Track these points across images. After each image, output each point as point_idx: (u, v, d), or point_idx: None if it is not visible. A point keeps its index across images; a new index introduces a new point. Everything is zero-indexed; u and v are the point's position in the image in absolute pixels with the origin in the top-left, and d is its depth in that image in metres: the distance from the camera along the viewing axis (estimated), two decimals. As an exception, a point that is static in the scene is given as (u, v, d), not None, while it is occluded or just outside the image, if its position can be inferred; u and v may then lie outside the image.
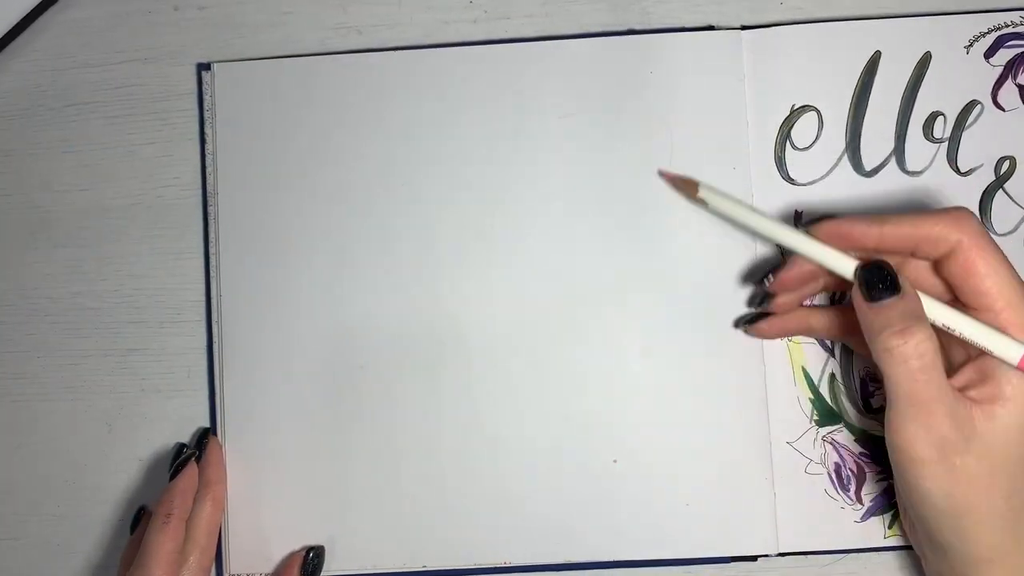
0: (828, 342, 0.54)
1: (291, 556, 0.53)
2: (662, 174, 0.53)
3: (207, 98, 0.56)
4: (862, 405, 0.54)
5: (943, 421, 0.43)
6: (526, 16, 0.56)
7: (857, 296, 0.45)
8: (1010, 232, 0.54)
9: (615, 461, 0.53)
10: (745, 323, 0.53)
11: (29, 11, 0.55)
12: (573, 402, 0.54)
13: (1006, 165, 0.54)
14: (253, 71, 0.56)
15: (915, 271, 0.47)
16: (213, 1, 0.57)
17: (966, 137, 0.55)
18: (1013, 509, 0.44)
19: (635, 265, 0.54)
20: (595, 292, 0.54)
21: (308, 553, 0.53)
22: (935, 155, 0.55)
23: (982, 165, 0.54)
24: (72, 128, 0.56)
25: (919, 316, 0.44)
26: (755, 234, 0.51)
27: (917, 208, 0.53)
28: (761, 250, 0.54)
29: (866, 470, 0.53)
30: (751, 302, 0.53)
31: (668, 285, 0.54)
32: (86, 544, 0.55)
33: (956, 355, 0.47)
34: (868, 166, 0.54)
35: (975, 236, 0.44)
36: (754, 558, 0.53)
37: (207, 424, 0.55)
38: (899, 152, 0.54)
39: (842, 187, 0.54)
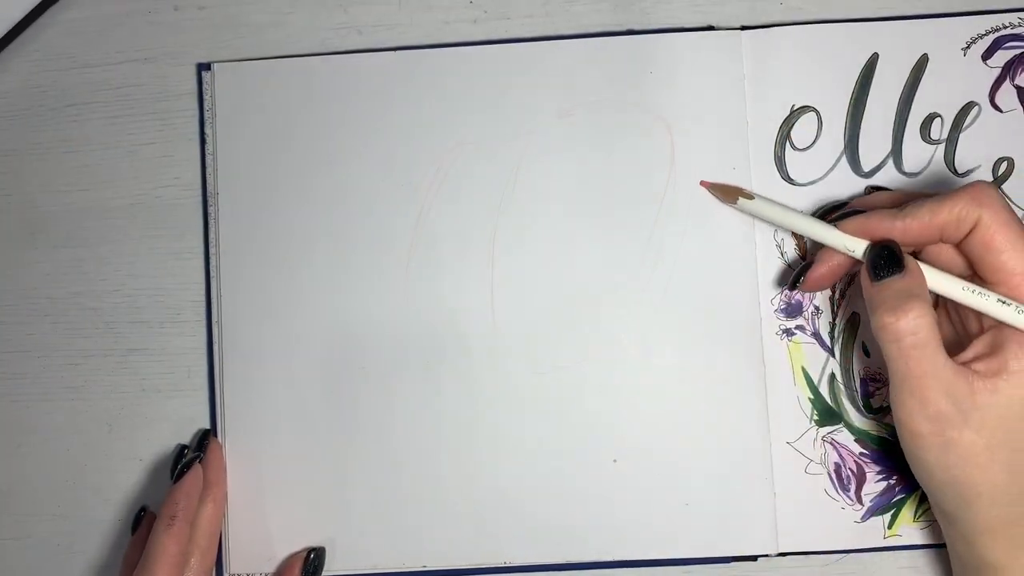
0: (828, 342, 0.54)
1: (292, 557, 0.53)
2: (703, 184, 0.54)
3: (207, 98, 0.56)
4: (862, 405, 0.54)
5: (938, 396, 0.44)
6: (526, 16, 0.56)
7: (863, 275, 0.47)
8: (1009, 232, 0.54)
9: (615, 461, 0.53)
10: (792, 286, 0.52)
11: (29, 11, 0.55)
12: (573, 402, 0.54)
13: (1004, 166, 0.54)
14: (253, 71, 0.56)
15: (937, 248, 0.48)
16: (213, 1, 0.57)
17: (963, 138, 0.55)
18: (1016, 483, 0.44)
19: (635, 264, 0.54)
20: (595, 291, 0.54)
21: (309, 554, 0.53)
22: (932, 156, 0.55)
23: (980, 166, 0.55)
24: (72, 128, 0.56)
25: (915, 294, 0.45)
26: (791, 230, 0.53)
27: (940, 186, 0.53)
28: (761, 253, 0.54)
29: (866, 470, 0.53)
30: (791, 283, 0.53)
31: (668, 284, 0.54)
32: (86, 544, 0.55)
33: (972, 327, 0.48)
34: (866, 167, 0.54)
35: (995, 211, 0.45)
36: (754, 558, 0.53)
37: (207, 424, 0.55)
38: (896, 153, 0.55)
39: (841, 187, 0.54)
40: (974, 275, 0.47)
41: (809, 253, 0.54)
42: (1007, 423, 0.44)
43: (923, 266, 0.47)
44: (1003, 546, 0.45)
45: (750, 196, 0.52)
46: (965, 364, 0.45)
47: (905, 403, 0.45)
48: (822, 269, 0.50)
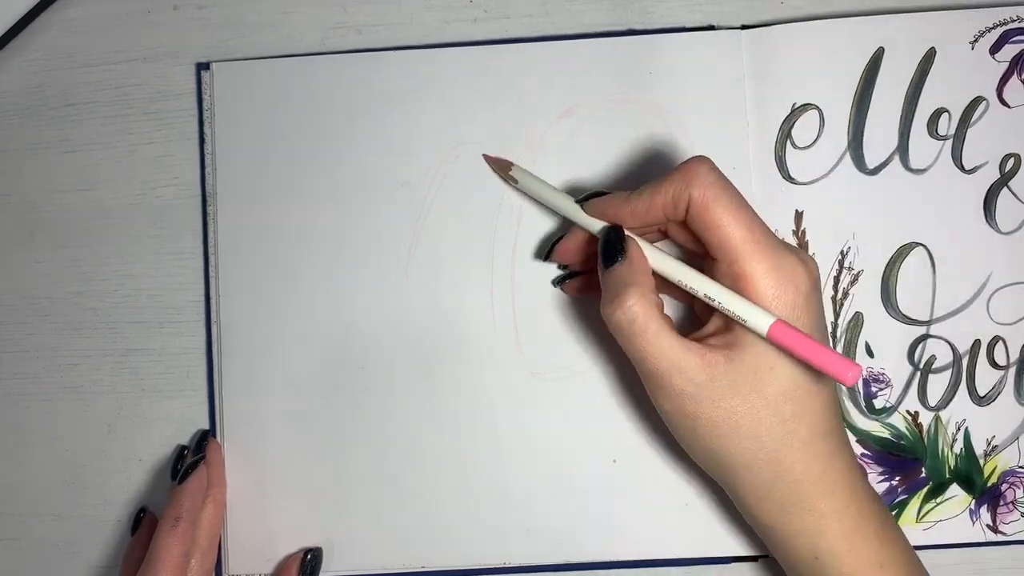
0: (829, 341, 0.54)
1: (288, 558, 0.53)
2: (485, 157, 0.55)
3: (206, 98, 0.56)
4: (864, 405, 0.54)
5: (669, 375, 0.44)
6: (526, 16, 0.56)
7: (598, 261, 0.47)
8: (1015, 230, 0.54)
9: (615, 461, 0.53)
10: (556, 283, 0.54)
11: (29, 11, 0.55)
12: (573, 402, 0.54)
13: (1011, 163, 0.54)
14: (252, 71, 0.56)
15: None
16: (213, 1, 0.57)
17: (971, 134, 0.54)
18: (764, 449, 0.45)
19: (635, 265, 0.54)
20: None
21: (306, 555, 0.53)
22: (939, 152, 0.54)
23: (987, 163, 0.54)
24: (72, 128, 0.57)
25: (632, 282, 0.45)
26: (547, 205, 0.52)
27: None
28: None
29: (868, 471, 0.53)
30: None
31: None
32: (86, 544, 0.55)
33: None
34: (871, 164, 0.54)
35: (705, 187, 0.44)
36: (754, 558, 0.53)
37: (206, 424, 0.55)
38: (903, 149, 0.54)
39: (844, 185, 0.54)
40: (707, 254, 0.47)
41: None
42: (743, 393, 0.44)
43: (649, 249, 0.47)
44: (769, 509, 0.46)
45: (508, 167, 0.53)
46: (702, 339, 0.46)
47: (646, 384, 0.46)
48: (568, 244, 0.51)
